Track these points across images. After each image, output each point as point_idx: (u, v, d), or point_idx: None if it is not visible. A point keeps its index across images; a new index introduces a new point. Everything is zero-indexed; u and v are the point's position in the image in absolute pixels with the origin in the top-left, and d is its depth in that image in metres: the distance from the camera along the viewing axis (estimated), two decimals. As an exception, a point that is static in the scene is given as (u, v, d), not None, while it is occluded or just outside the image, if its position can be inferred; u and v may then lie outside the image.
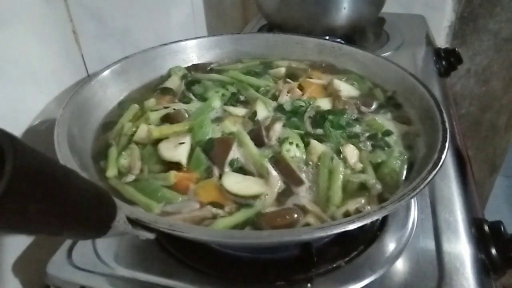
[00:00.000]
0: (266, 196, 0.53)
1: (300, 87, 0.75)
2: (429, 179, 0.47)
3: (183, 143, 0.59)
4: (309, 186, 0.55)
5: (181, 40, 0.82)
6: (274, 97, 0.72)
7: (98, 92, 0.68)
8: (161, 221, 0.43)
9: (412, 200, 0.61)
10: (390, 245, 0.54)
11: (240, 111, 0.68)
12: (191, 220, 0.50)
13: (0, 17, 0.58)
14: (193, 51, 0.84)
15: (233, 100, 0.72)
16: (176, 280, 0.51)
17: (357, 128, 0.65)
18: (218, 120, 0.66)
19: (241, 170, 0.57)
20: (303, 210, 0.51)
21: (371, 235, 0.56)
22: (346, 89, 0.74)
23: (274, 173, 0.55)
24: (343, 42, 0.96)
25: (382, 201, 0.51)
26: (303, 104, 0.69)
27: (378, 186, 0.54)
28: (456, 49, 1.11)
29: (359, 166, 0.58)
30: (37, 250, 0.66)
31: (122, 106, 0.71)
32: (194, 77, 0.79)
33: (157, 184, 0.54)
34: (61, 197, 0.30)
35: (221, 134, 0.62)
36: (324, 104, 0.71)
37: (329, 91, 0.74)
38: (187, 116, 0.66)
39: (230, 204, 0.52)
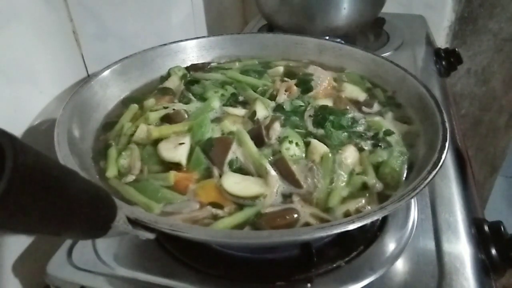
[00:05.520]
0: (266, 197, 0.53)
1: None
2: (429, 179, 0.47)
3: (182, 143, 0.59)
4: (309, 186, 0.55)
5: (181, 40, 0.82)
6: (272, 97, 0.72)
7: (98, 92, 0.68)
8: (161, 221, 0.43)
9: (412, 200, 0.61)
10: (390, 245, 0.54)
11: (239, 111, 0.68)
12: (191, 220, 0.50)
13: (0, 17, 0.58)
14: (193, 51, 0.84)
15: (232, 100, 0.72)
16: (176, 280, 0.51)
17: (358, 128, 0.65)
18: (217, 120, 0.66)
19: (241, 170, 0.57)
20: (303, 210, 0.51)
21: (371, 235, 0.56)
22: (353, 90, 0.74)
23: (273, 172, 0.55)
24: (343, 42, 0.96)
25: (383, 201, 0.51)
26: (302, 103, 0.69)
27: (379, 186, 0.54)
28: (456, 49, 1.11)
29: (360, 166, 0.58)
30: (37, 250, 0.66)
31: (122, 106, 0.71)
32: (193, 77, 0.79)
33: (157, 185, 0.54)
34: (61, 197, 0.30)
35: (221, 134, 0.62)
36: (325, 104, 0.70)
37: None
38: (186, 116, 0.66)
39: (230, 205, 0.52)
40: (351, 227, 0.42)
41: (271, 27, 1.19)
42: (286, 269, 0.52)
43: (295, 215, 0.50)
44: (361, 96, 0.74)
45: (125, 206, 0.44)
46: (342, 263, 0.52)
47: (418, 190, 0.45)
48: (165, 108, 0.68)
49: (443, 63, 1.09)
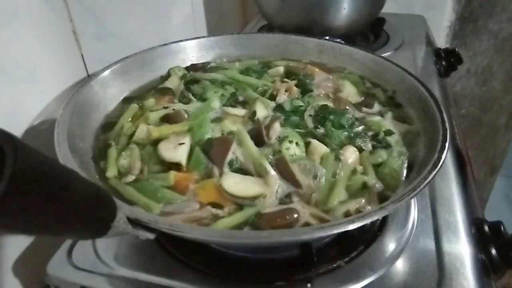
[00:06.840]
0: (265, 197, 0.53)
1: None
2: (429, 179, 0.47)
3: (182, 143, 0.59)
4: (309, 186, 0.55)
5: (181, 40, 0.82)
6: (272, 97, 0.72)
7: (98, 92, 0.68)
8: (161, 221, 0.43)
9: (412, 200, 0.61)
10: (390, 245, 0.54)
11: (239, 111, 0.68)
12: (191, 221, 0.50)
13: (0, 17, 0.58)
14: (193, 51, 0.84)
15: (232, 100, 0.72)
16: (176, 280, 0.51)
17: (358, 128, 0.65)
18: (217, 120, 0.66)
19: (241, 170, 0.57)
20: (303, 210, 0.51)
21: (371, 235, 0.56)
22: (351, 92, 0.74)
23: (273, 172, 0.55)
24: (343, 42, 0.96)
25: (383, 201, 0.51)
26: (302, 104, 0.69)
27: (379, 186, 0.54)
28: (456, 49, 1.11)
29: (360, 166, 0.58)
30: (37, 250, 0.66)
31: (122, 106, 0.71)
32: (193, 77, 0.79)
33: (157, 184, 0.54)
34: (61, 197, 0.30)
35: (221, 134, 0.62)
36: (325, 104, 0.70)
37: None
38: (186, 116, 0.66)
39: (230, 205, 0.52)
40: (351, 227, 0.42)
41: (271, 27, 1.19)
42: (286, 269, 0.52)
43: (295, 215, 0.50)
44: (359, 97, 0.74)
45: (125, 206, 0.44)
46: (342, 263, 0.52)
47: (418, 190, 0.45)
48: (165, 108, 0.68)
49: (443, 63, 1.09)
